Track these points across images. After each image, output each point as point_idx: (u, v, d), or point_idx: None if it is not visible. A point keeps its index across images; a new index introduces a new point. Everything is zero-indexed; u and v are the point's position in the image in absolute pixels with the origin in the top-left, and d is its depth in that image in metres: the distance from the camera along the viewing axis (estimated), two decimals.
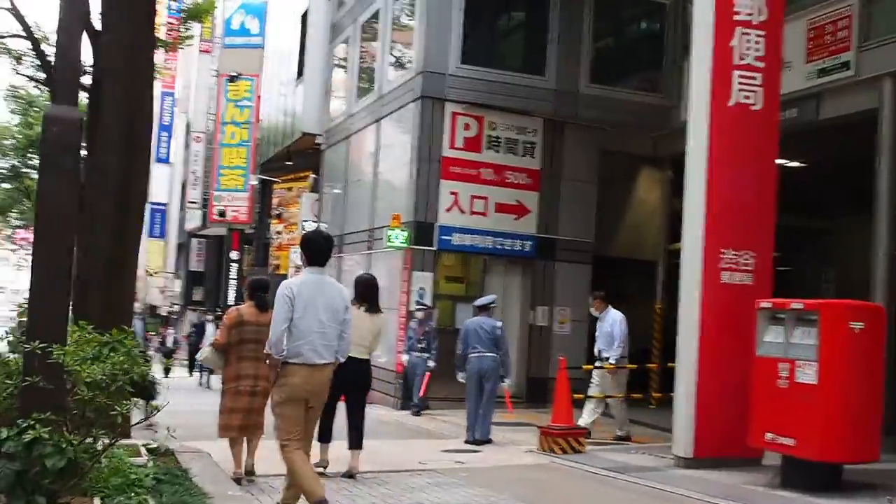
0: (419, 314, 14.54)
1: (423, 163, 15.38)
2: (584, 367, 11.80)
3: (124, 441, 5.00)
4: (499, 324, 11.33)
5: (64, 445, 3.87)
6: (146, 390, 11.05)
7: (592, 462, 9.24)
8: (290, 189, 24.37)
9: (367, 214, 17.73)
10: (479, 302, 11.69)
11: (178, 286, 48.03)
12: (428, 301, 14.97)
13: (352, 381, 7.85)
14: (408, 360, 14.56)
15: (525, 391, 15.80)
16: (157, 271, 52.87)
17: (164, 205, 51.73)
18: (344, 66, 20.92)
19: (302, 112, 22.42)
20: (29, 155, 36.13)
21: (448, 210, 15.45)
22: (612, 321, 11.57)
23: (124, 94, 7.02)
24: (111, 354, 4.48)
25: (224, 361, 7.55)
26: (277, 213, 25.58)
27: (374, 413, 14.66)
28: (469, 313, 15.49)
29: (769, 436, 8.00)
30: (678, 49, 16.59)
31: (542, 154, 16.21)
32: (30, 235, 46.51)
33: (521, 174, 16.04)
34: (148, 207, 52.26)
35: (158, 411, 4.72)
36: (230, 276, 34.84)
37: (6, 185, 45.91)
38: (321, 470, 7.90)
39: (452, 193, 15.50)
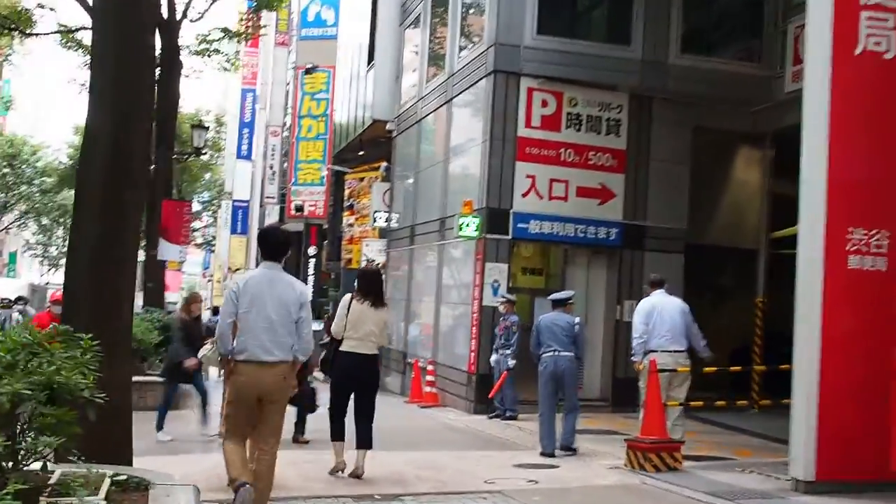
0: (501, 308, 13.21)
1: (497, 143, 14.03)
2: (638, 367, 9.77)
3: (77, 470, 3.79)
4: (577, 320, 10.04)
5: None
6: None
7: (691, 483, 7.77)
8: (361, 179, 23.28)
9: (439, 203, 16.48)
10: (555, 296, 10.39)
11: None
12: (503, 293, 13.62)
13: (359, 377, 7.76)
14: (494, 359, 13.25)
15: (610, 394, 14.33)
16: (239, 268, 52.78)
17: (246, 202, 51.54)
18: (415, 50, 19.69)
19: (373, 99, 21.30)
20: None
21: (525, 195, 14.07)
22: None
23: (116, 42, 5.77)
24: (33, 361, 3.30)
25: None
26: (349, 204, 24.54)
27: (444, 417, 13.42)
28: (546, 307, 14.21)
29: None
30: (780, 11, 14.88)
31: (628, 132, 14.68)
32: None
33: (605, 155, 14.55)
34: (231, 204, 52.45)
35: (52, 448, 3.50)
36: (309, 272, 34.15)
37: None
38: (339, 473, 7.67)
39: (529, 177, 14.10)
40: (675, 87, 14.68)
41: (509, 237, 14.00)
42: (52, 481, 3.69)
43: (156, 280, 22.10)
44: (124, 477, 4.14)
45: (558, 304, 10.11)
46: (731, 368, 11.23)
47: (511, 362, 12.74)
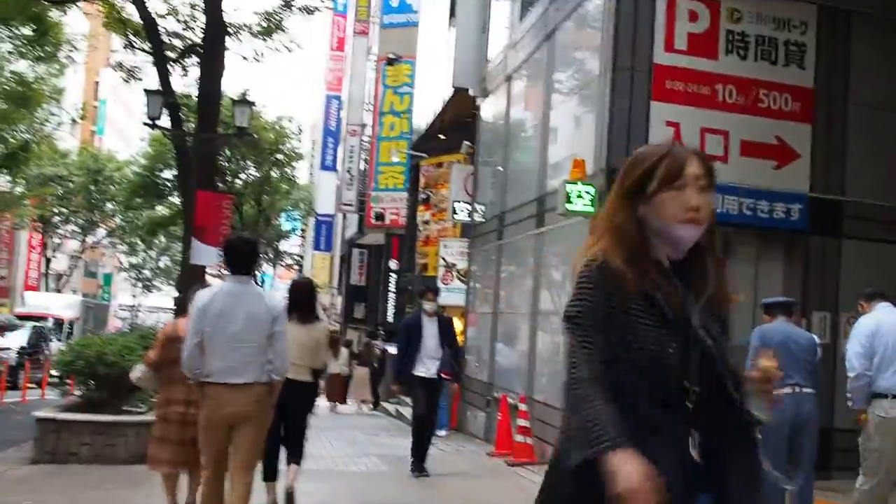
0: None
1: (623, 76, 9.47)
2: (861, 417, 6.45)
3: None
4: (818, 339, 6.81)
5: None
6: None
7: None
8: (439, 165, 18.88)
9: (536, 177, 11.96)
10: (777, 300, 7.07)
11: (340, 302, 44.01)
12: None
13: (288, 406, 6.55)
14: None
15: None
16: (323, 287, 49.18)
17: (330, 216, 47.96)
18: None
19: (454, 63, 16.96)
20: None
21: None
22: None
23: None
24: None
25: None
26: (424, 196, 20.20)
27: (531, 484, 8.83)
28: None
29: None
30: None
31: (817, 63, 9.98)
32: None
33: (784, 95, 9.86)
34: (314, 219, 49.12)
35: None
36: (390, 289, 30.09)
37: (173, 199, 43.62)
38: None
39: (671, 125, 9.49)
40: None
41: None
42: None
43: (191, 289, 18.23)
44: None
45: (782, 310, 6.76)
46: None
47: None
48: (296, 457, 7.28)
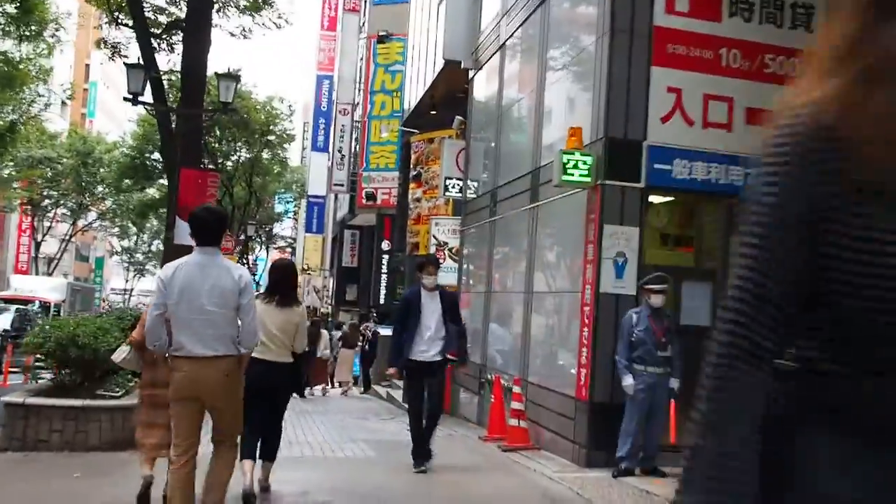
0: (656, 299, 8.10)
1: (621, 39, 8.93)
2: None
3: None
4: None
5: None
6: None
7: None
8: (430, 141, 18.32)
9: (530, 150, 11.44)
10: None
11: (331, 285, 43.55)
12: (631, 274, 8.48)
13: (262, 387, 6.43)
14: (631, 382, 7.96)
15: None
16: (315, 270, 48.62)
17: (322, 197, 47.41)
18: None
19: (445, 34, 16.41)
20: None
21: (665, 119, 8.93)
22: None
23: None
24: None
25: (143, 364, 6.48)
26: (416, 174, 19.67)
27: (537, 473, 8.33)
28: (701, 298, 9.13)
29: None
30: None
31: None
32: None
33: (790, 59, 9.31)
34: (305, 200, 48.50)
35: None
36: (382, 271, 29.64)
37: (163, 181, 43.02)
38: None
39: (672, 91, 8.97)
40: None
41: (641, 185, 8.86)
42: None
43: None
44: None
45: None
46: None
47: (676, 385, 7.65)
48: (270, 451, 7.11)
